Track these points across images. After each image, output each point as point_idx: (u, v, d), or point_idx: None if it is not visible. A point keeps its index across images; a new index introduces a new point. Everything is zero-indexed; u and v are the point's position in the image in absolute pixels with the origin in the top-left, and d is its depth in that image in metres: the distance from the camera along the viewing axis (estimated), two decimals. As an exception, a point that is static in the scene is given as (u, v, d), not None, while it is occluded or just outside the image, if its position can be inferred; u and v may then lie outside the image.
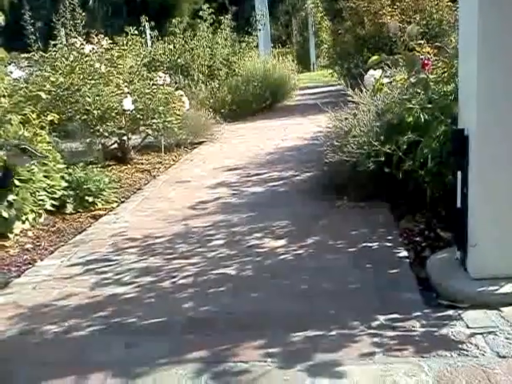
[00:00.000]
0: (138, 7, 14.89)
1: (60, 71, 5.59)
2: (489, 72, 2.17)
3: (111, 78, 5.78)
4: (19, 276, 3.00)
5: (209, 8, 9.27)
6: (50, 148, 4.20)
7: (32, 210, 3.77)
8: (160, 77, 6.38)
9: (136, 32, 7.45)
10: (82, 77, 5.54)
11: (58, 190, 4.08)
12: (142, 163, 6.01)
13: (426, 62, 3.28)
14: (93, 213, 4.16)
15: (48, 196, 3.95)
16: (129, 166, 5.89)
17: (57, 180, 4.10)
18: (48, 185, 3.97)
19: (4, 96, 4.07)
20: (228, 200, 4.26)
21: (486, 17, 2.13)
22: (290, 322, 2.21)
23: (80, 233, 3.73)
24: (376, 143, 3.25)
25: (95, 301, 2.59)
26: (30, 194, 3.71)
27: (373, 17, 8.67)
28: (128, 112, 5.68)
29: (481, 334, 2.00)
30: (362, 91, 3.97)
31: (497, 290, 2.21)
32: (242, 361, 1.97)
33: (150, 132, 6.10)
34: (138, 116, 5.84)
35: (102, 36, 6.40)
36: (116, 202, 4.46)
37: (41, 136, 4.12)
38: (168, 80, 6.52)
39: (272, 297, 2.49)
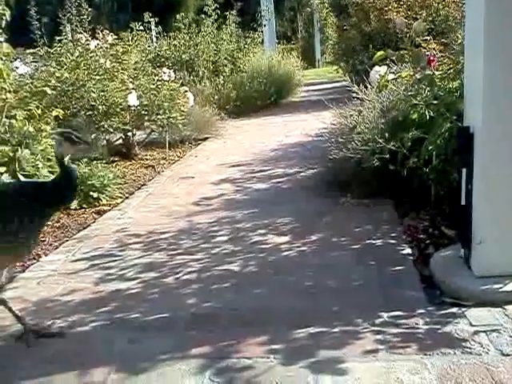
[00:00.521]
0: (143, 3, 14.87)
1: (65, 67, 5.59)
2: (495, 69, 2.15)
3: (116, 73, 5.78)
4: (24, 271, 3.01)
5: (214, 3, 9.25)
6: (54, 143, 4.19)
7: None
8: (164, 72, 6.37)
9: (141, 28, 7.44)
10: (87, 72, 5.54)
11: (63, 185, 4.07)
12: (147, 159, 6.02)
13: (431, 58, 3.26)
14: (97, 208, 4.17)
15: (53, 191, 3.95)
16: (133, 161, 5.90)
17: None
18: (53, 180, 3.96)
19: (10, 91, 4.08)
20: (232, 196, 4.26)
21: (492, 14, 2.12)
22: (293, 319, 2.21)
23: (84, 228, 3.74)
24: (381, 140, 3.24)
25: (99, 296, 2.60)
26: (34, 189, 3.71)
27: (378, 13, 8.63)
28: (133, 108, 5.68)
29: (484, 331, 1.99)
30: (367, 88, 3.96)
31: (501, 288, 2.21)
32: (245, 357, 1.97)
33: (154, 128, 6.11)
34: (143, 112, 5.85)
35: (108, 32, 6.39)
36: (120, 197, 4.47)
37: (46, 131, 4.13)
38: (173, 76, 6.51)
39: (275, 293, 2.49)
